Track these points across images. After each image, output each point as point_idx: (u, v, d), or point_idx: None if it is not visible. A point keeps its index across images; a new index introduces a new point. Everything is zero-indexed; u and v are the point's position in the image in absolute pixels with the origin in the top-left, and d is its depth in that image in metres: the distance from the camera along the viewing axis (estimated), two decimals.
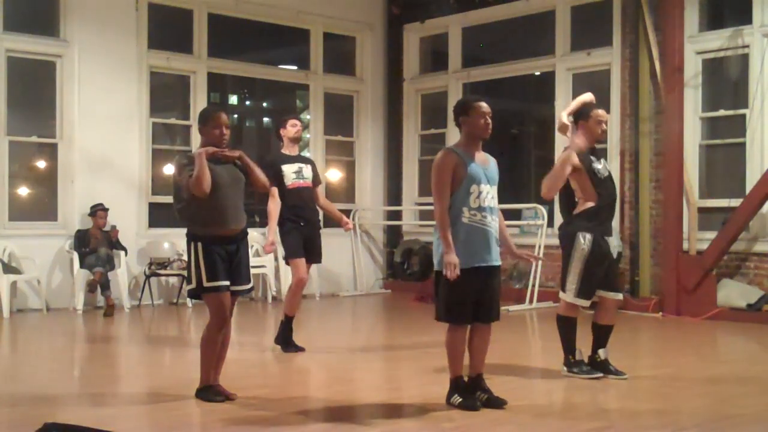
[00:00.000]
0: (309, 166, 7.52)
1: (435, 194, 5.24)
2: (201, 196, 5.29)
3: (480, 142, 5.34)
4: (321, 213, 7.77)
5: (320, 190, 7.80)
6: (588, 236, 6.10)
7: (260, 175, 5.62)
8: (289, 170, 7.35)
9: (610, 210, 6.27)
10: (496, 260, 5.29)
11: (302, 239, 7.34)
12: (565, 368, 6.29)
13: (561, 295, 6.32)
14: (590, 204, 6.15)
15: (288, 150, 7.46)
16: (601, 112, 6.26)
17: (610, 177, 6.30)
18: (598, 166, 6.19)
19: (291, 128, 7.45)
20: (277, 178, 7.25)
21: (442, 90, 12.95)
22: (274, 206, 7.25)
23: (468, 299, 5.20)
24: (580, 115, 6.31)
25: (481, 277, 5.23)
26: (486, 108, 5.29)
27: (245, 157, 5.57)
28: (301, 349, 7.31)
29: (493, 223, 5.28)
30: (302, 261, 7.33)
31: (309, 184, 7.44)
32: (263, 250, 7.43)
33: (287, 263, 7.61)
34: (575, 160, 6.10)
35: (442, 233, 5.16)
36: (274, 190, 7.21)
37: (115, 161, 10.81)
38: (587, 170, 6.13)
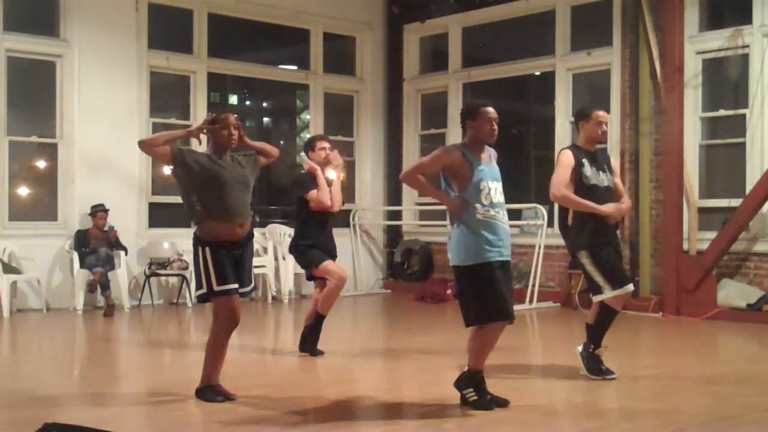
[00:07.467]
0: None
1: (417, 163, 5.47)
2: (147, 153, 5.60)
3: (484, 146, 5.37)
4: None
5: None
6: (584, 252, 6.10)
7: (266, 145, 5.81)
8: None
9: (600, 219, 6.09)
10: (509, 255, 5.34)
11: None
12: (579, 349, 6.23)
13: (600, 297, 6.19)
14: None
15: None
16: (601, 113, 6.21)
17: (607, 188, 6.13)
18: (588, 172, 6.08)
19: (320, 152, 7.17)
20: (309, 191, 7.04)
21: (442, 90, 12.96)
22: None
23: (506, 292, 5.24)
24: (580, 116, 6.29)
25: (503, 271, 5.27)
26: (493, 114, 5.32)
27: (245, 138, 5.69)
28: (320, 353, 7.19)
29: (505, 218, 5.33)
30: (331, 262, 7.08)
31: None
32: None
33: (311, 278, 7.24)
34: (570, 157, 6.08)
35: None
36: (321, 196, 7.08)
37: (115, 161, 10.80)
38: (576, 172, 6.06)
